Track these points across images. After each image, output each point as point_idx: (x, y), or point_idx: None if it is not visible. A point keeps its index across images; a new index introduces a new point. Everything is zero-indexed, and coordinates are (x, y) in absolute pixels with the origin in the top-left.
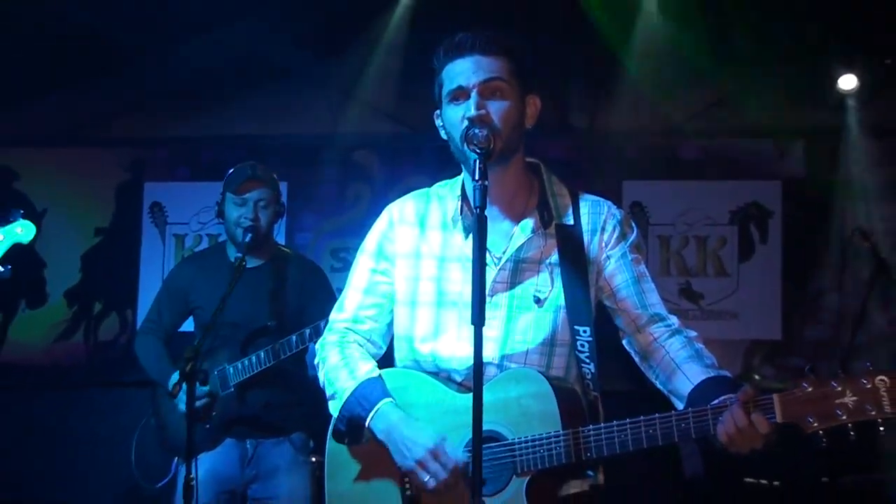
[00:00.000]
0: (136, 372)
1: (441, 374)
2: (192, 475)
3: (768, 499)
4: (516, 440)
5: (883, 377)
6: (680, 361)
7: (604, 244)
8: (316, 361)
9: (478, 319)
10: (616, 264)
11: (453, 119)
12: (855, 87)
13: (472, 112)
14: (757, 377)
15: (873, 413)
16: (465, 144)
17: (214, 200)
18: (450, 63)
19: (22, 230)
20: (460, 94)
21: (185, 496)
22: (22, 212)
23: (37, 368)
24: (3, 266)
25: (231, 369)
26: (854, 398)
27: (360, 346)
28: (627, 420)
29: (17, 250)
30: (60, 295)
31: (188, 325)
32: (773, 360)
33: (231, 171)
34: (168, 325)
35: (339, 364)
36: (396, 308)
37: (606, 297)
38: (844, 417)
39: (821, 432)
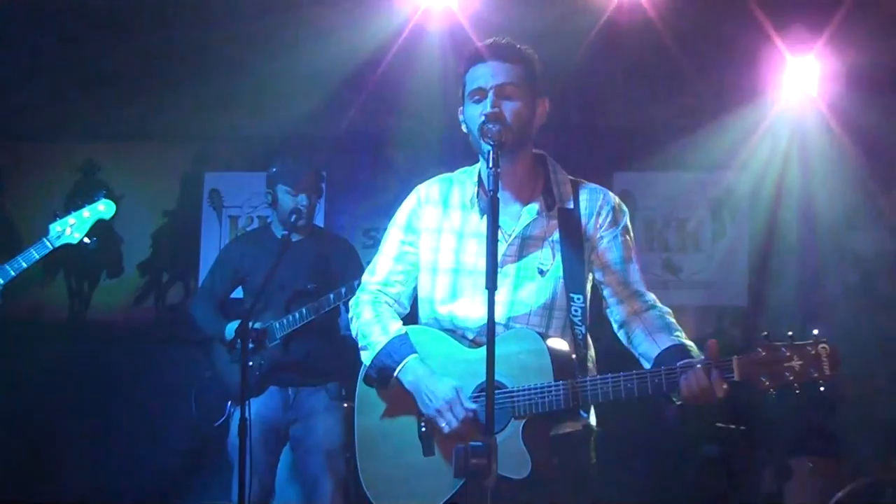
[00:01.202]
0: (196, 331)
1: (457, 332)
2: (247, 416)
3: (735, 440)
4: (515, 389)
5: (824, 345)
6: (652, 331)
7: (599, 226)
8: (350, 315)
9: (491, 285)
10: (608, 244)
11: (473, 115)
12: (805, 94)
13: (489, 109)
14: (713, 340)
15: (815, 375)
16: (481, 137)
17: (263, 188)
18: (472, 68)
19: (104, 207)
20: (479, 94)
21: (240, 434)
22: (104, 192)
23: (116, 327)
24: (90, 238)
25: (277, 325)
26: (800, 362)
27: (390, 305)
28: (609, 375)
29: (100, 227)
30: (134, 267)
31: (236, 293)
32: (739, 322)
33: (281, 165)
34: (220, 292)
35: (373, 320)
36: (420, 274)
37: (598, 269)
38: (791, 378)
39: (772, 390)
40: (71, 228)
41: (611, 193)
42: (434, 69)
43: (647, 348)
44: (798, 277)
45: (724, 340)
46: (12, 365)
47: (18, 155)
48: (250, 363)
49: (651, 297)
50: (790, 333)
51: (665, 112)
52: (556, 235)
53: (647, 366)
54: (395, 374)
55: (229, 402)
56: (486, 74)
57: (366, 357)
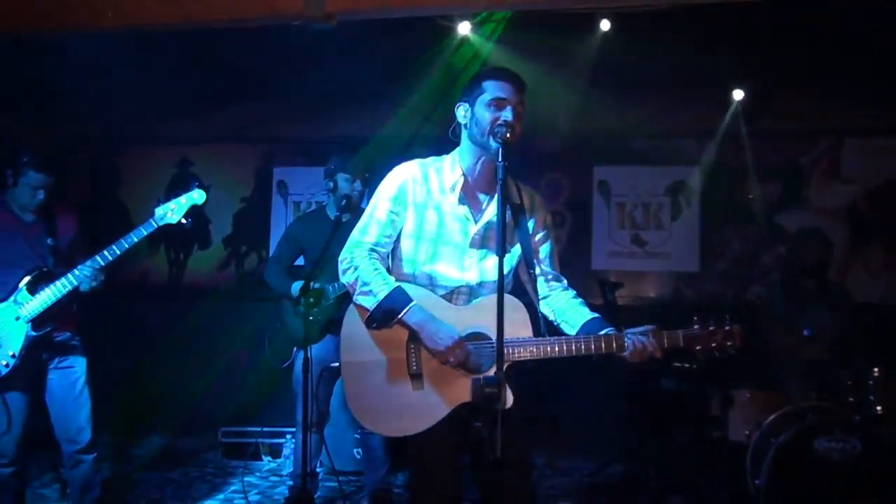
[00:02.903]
0: (268, 291)
1: (430, 288)
2: (309, 357)
3: (688, 375)
4: (507, 340)
5: (737, 327)
6: (574, 305)
7: (536, 221)
8: (345, 267)
9: (500, 251)
10: (542, 238)
11: (488, 116)
12: (743, 101)
13: (510, 118)
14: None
15: (729, 344)
16: (491, 136)
17: (319, 178)
18: (495, 80)
19: (197, 195)
20: (499, 104)
21: (304, 371)
22: (197, 183)
23: (205, 288)
24: (186, 219)
25: (330, 287)
26: (720, 337)
27: (380, 261)
28: (582, 336)
29: (194, 210)
30: (220, 241)
31: (299, 262)
32: (692, 284)
33: (341, 158)
34: (287, 260)
35: (373, 272)
36: (403, 239)
37: (533, 253)
38: (714, 346)
39: (701, 356)
40: (171, 212)
41: (537, 194)
42: (453, 86)
43: (570, 316)
44: (738, 249)
45: (680, 299)
46: (125, 318)
47: (131, 155)
48: (311, 317)
49: (565, 281)
50: (712, 321)
51: (635, 119)
52: (513, 223)
53: (569, 330)
54: (401, 315)
55: (294, 348)
56: (509, 90)
57: (368, 302)
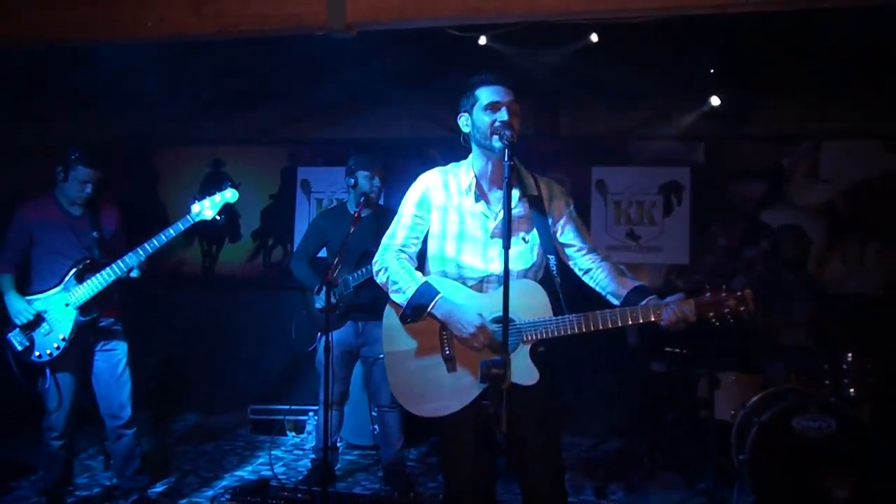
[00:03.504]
0: (294, 281)
1: (459, 280)
2: (331, 341)
3: (678, 359)
4: (523, 322)
5: (749, 291)
6: (615, 275)
7: (555, 207)
8: (378, 269)
9: (506, 243)
10: (565, 218)
11: (485, 121)
12: (729, 108)
13: (507, 118)
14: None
15: (742, 310)
16: (492, 137)
17: (340, 178)
18: (485, 86)
19: (230, 194)
20: (494, 107)
21: (325, 353)
22: (229, 182)
23: (235, 278)
24: (219, 216)
25: (350, 277)
26: (733, 302)
27: (408, 261)
28: (617, 308)
29: (227, 207)
30: (249, 234)
31: (321, 254)
32: (683, 276)
33: (361, 157)
34: (311, 252)
35: (402, 271)
36: (430, 240)
37: (560, 237)
38: (727, 312)
39: (715, 322)
40: (206, 209)
41: (555, 183)
42: (461, 91)
43: (616, 288)
44: (725, 243)
45: (671, 289)
46: (162, 305)
47: (168, 156)
48: (333, 300)
49: (603, 253)
50: (724, 286)
51: (630, 124)
52: (530, 214)
53: (614, 301)
54: (430, 309)
55: (318, 333)
56: (500, 92)
57: (399, 298)
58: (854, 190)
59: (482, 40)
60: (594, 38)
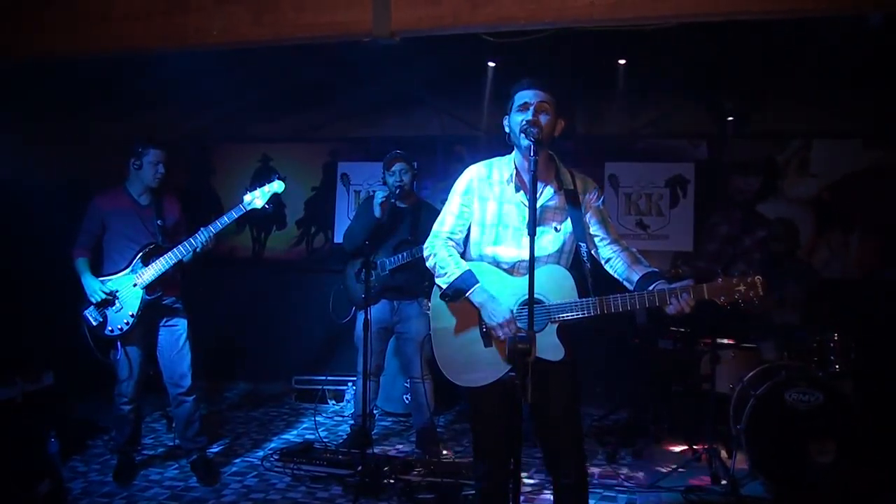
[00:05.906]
0: (333, 263)
1: (497, 265)
2: (368, 317)
3: (682, 337)
4: (551, 303)
5: (759, 276)
6: (631, 263)
7: (589, 201)
8: (427, 254)
9: (532, 231)
10: (595, 212)
11: (517, 121)
12: (730, 109)
13: (531, 117)
14: (681, 271)
15: (752, 294)
16: (521, 135)
17: (377, 171)
18: (521, 90)
19: (277, 185)
20: (524, 107)
21: (364, 328)
22: (277, 175)
23: (281, 262)
24: (268, 205)
25: (388, 261)
26: (744, 287)
27: (454, 247)
28: (628, 294)
29: (274, 197)
30: (293, 222)
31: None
32: (687, 262)
33: (395, 154)
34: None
35: (448, 258)
36: (473, 227)
37: (590, 227)
38: (738, 297)
39: (726, 306)
40: (256, 199)
41: (590, 179)
42: (486, 95)
43: (629, 275)
44: (725, 232)
45: (677, 273)
46: (217, 286)
47: (223, 151)
48: (372, 279)
49: (623, 243)
50: (736, 272)
51: (639, 123)
52: (565, 206)
53: (629, 287)
54: (468, 294)
55: (353, 308)
56: (530, 94)
57: (443, 282)
58: (838, 183)
59: (491, 64)
60: (622, 62)
